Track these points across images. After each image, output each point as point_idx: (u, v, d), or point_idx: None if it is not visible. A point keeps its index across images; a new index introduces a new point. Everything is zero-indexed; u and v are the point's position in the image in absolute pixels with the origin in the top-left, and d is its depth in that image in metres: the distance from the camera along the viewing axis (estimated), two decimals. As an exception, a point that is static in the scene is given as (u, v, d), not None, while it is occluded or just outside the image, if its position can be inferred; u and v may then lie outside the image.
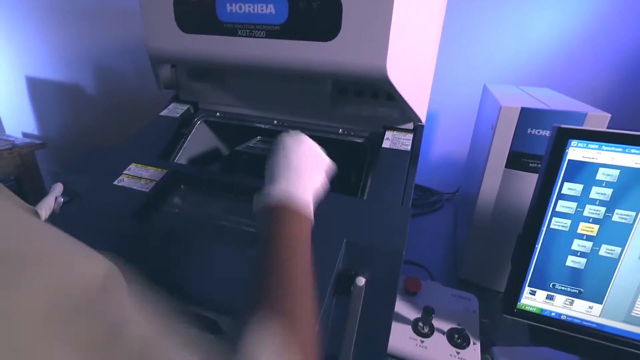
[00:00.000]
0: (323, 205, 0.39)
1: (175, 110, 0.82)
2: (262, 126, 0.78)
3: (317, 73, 0.58)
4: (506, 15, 1.11)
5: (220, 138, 0.89)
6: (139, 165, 0.62)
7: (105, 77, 1.69)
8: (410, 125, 0.69)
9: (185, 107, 0.82)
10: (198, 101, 0.84)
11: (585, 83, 1.11)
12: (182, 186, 0.61)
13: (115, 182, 0.59)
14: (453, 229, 1.16)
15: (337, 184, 0.48)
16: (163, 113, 0.81)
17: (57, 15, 1.64)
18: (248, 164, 0.70)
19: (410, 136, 0.67)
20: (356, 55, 0.53)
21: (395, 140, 0.67)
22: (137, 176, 0.60)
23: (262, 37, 0.58)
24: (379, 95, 0.68)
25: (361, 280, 0.41)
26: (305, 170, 0.37)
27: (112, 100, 1.70)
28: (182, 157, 0.77)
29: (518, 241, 0.55)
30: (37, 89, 1.91)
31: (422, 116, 0.63)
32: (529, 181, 0.71)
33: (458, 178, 1.28)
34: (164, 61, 0.69)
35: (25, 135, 2.02)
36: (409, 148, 0.64)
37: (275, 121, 0.77)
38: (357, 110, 0.71)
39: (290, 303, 0.27)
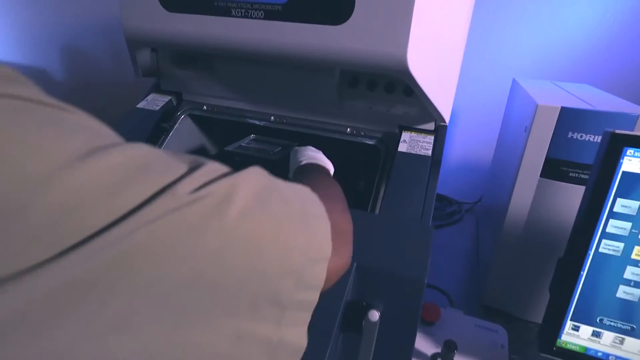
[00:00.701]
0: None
1: (154, 102, 0.79)
2: (257, 123, 0.75)
3: (323, 62, 0.55)
4: (537, 2, 1.09)
5: (208, 135, 0.86)
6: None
7: (76, 60, 1.67)
8: (430, 126, 0.66)
9: (166, 98, 0.80)
10: (182, 91, 0.81)
11: (629, 79, 1.09)
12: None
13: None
14: (475, 244, 1.14)
15: (345, 193, 0.46)
16: (140, 105, 0.78)
17: (20, -9, 1.60)
18: (239, 167, 0.67)
19: (431, 138, 0.64)
20: (371, 41, 0.51)
21: (414, 143, 0.64)
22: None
23: (260, 19, 0.55)
24: (394, 89, 0.66)
25: (374, 315, 0.38)
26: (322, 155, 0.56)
27: (85, 87, 1.68)
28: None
29: (558, 266, 0.53)
30: None
31: (446, 115, 0.61)
32: (569, 193, 0.69)
33: (481, 186, 1.26)
34: (143, 44, 0.66)
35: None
36: (429, 153, 0.62)
37: (272, 117, 0.75)
38: (369, 106, 0.68)
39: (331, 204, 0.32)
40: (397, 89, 0.66)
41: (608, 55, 1.09)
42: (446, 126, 0.66)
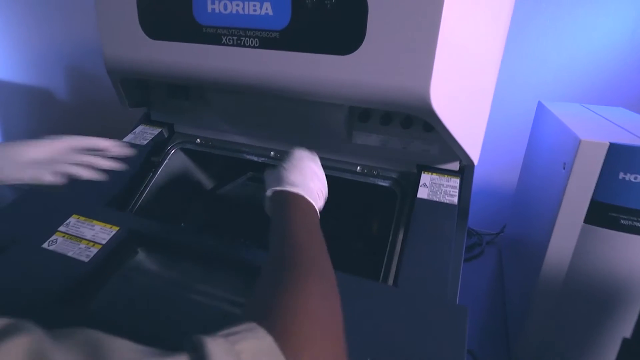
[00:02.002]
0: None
1: (143, 134, 0.71)
2: (255, 159, 0.67)
3: (329, 97, 0.46)
4: (561, 16, 1.00)
5: (201, 172, 0.78)
6: (81, 218, 0.51)
7: (81, 80, 1.63)
8: (454, 166, 0.57)
9: (156, 130, 0.72)
10: (174, 123, 0.73)
11: (670, 102, 0.99)
12: (138, 250, 0.50)
13: (45, 245, 0.47)
14: (499, 283, 1.02)
15: (353, 244, 0.38)
16: (127, 139, 0.70)
17: (23, 9, 1.58)
18: (232, 211, 0.58)
19: (456, 182, 0.55)
20: (386, 75, 0.42)
21: (436, 187, 0.54)
22: (77, 236, 0.49)
23: (254, 47, 0.47)
24: (412, 124, 0.57)
25: None
26: (311, 176, 0.45)
27: (89, 106, 1.63)
28: (149, 196, 0.66)
29: (625, 347, 0.42)
30: (1, 93, 1.86)
31: (475, 156, 0.51)
32: (621, 243, 0.58)
33: (503, 214, 1.15)
34: (125, 74, 0.59)
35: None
36: (455, 200, 0.52)
37: (272, 153, 0.66)
38: (382, 143, 0.59)
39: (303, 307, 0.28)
40: (416, 124, 0.57)
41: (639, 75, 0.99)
42: (473, 166, 0.57)
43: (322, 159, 0.63)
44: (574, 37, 1.02)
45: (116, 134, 0.73)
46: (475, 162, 0.52)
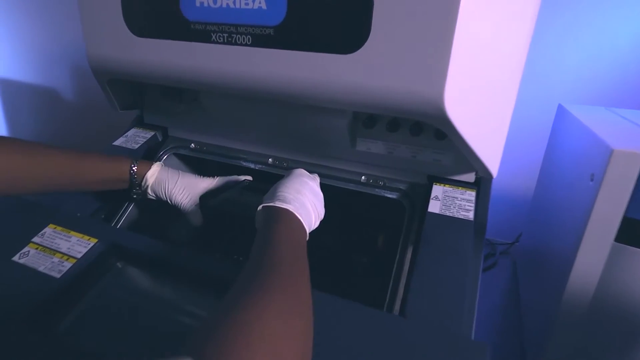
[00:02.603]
0: (329, 327, 0.33)
1: (135, 138, 0.67)
2: (252, 166, 0.62)
3: (328, 102, 0.41)
4: (582, 14, 0.93)
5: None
6: (58, 228, 0.47)
7: (87, 81, 1.61)
8: (470, 177, 0.51)
9: (149, 134, 0.68)
10: (168, 126, 0.69)
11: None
12: (118, 264, 0.45)
13: (16, 257, 0.43)
14: (514, 297, 0.96)
15: (356, 263, 0.34)
16: (118, 142, 0.66)
17: (30, 9, 1.57)
18: (223, 225, 0.53)
19: (472, 195, 0.49)
20: (394, 77, 0.37)
21: (449, 200, 0.49)
22: (51, 248, 0.44)
23: (246, 45, 0.42)
24: (422, 131, 0.51)
25: None
26: (307, 195, 0.43)
27: (95, 107, 1.62)
28: (138, 205, 0.62)
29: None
30: (8, 93, 1.86)
31: (494, 168, 0.46)
32: (659, 269, 0.52)
33: (518, 222, 1.08)
34: (111, 75, 0.55)
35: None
36: (471, 215, 0.46)
37: (270, 160, 0.61)
38: (389, 151, 0.54)
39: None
40: (426, 131, 0.51)
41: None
42: (491, 178, 0.51)
43: (323, 168, 0.59)
44: (596, 35, 0.96)
45: (121, 133, 0.69)
46: (494, 174, 0.46)
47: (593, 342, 0.61)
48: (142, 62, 0.49)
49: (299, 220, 0.39)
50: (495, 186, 1.19)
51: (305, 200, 0.41)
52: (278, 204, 0.39)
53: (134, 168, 0.52)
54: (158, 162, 0.55)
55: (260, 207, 0.41)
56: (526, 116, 1.05)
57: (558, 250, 0.67)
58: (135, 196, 0.54)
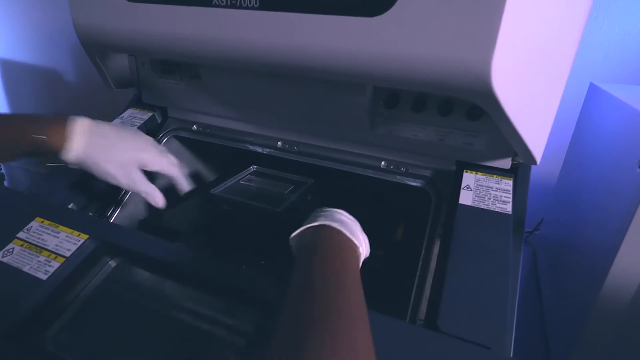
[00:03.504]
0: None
1: (132, 119, 0.61)
2: (259, 150, 0.56)
3: (349, 74, 0.35)
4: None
5: (198, 163, 0.68)
6: (45, 222, 0.42)
7: (87, 60, 1.56)
8: (505, 163, 0.45)
9: (147, 115, 0.62)
10: (167, 106, 0.63)
11: None
12: (110, 262, 0.41)
13: (-1, 256, 0.39)
14: (534, 288, 0.91)
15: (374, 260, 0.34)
16: (113, 124, 0.60)
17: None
18: (229, 216, 0.48)
19: (508, 184, 0.43)
20: (428, 43, 0.31)
21: (483, 190, 0.43)
22: (37, 245, 0.40)
23: (253, 8, 0.36)
24: (452, 110, 0.45)
25: None
26: (353, 221, 0.36)
27: (95, 88, 1.57)
28: (134, 196, 0.56)
29: None
30: (10, 74, 1.82)
31: (539, 152, 0.39)
32: None
33: (540, 208, 1.02)
34: (99, 47, 0.48)
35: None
36: (508, 208, 0.41)
37: (279, 143, 0.55)
38: (413, 133, 0.48)
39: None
40: (457, 109, 0.45)
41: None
42: (530, 165, 0.45)
43: (339, 152, 0.53)
44: (627, 10, 0.88)
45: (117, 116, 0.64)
46: (538, 160, 0.40)
47: (628, 343, 0.56)
48: (135, 30, 0.42)
49: (354, 244, 0.32)
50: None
51: (354, 227, 0.34)
52: (330, 223, 0.32)
53: (41, 136, 0.39)
54: (79, 122, 0.42)
55: (300, 231, 0.34)
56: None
57: (592, 243, 0.62)
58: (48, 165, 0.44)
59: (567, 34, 0.37)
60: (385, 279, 0.55)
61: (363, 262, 0.35)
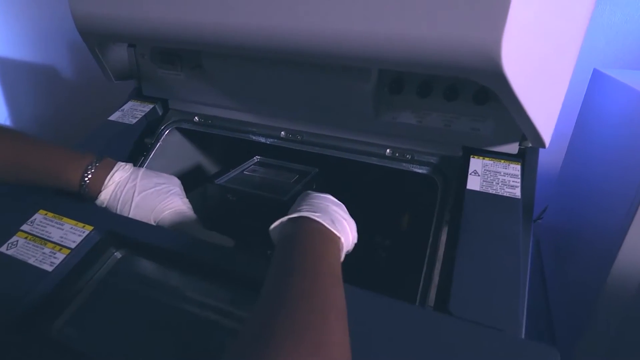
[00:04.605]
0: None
1: (132, 112, 0.60)
2: (263, 140, 0.56)
3: (355, 56, 0.34)
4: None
5: (201, 154, 0.68)
6: (49, 214, 0.41)
7: (84, 57, 1.54)
8: (512, 148, 0.45)
9: (148, 107, 0.61)
10: (168, 98, 0.62)
11: None
12: (116, 253, 0.40)
13: (3, 248, 0.38)
14: (537, 275, 0.91)
15: (380, 248, 0.38)
16: (113, 117, 0.60)
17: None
18: (234, 207, 0.48)
19: (516, 169, 0.43)
20: (438, 22, 0.30)
21: (490, 175, 0.43)
22: (42, 237, 0.39)
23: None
24: (458, 94, 0.44)
25: None
26: (337, 211, 0.35)
27: (93, 84, 1.55)
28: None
29: None
30: (8, 73, 1.80)
31: (547, 135, 0.39)
32: None
33: (543, 197, 1.02)
34: (98, 36, 0.48)
35: (-6, 126, 1.92)
36: (517, 193, 0.40)
37: (282, 133, 0.55)
38: (418, 119, 0.47)
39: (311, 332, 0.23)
40: (463, 94, 0.44)
41: None
42: (538, 149, 0.44)
43: (343, 140, 0.52)
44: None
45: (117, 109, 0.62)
46: (547, 143, 0.39)
47: (636, 331, 0.56)
48: (135, 17, 0.42)
49: (335, 235, 0.32)
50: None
51: (338, 216, 0.34)
52: (307, 214, 0.32)
53: (86, 181, 0.40)
54: (118, 173, 0.42)
55: (279, 222, 0.34)
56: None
57: (599, 230, 0.61)
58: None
59: (576, 14, 0.36)
60: (392, 267, 0.55)
61: (369, 251, 0.35)
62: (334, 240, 0.32)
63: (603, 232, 0.59)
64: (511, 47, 0.30)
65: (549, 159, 1.01)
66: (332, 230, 0.32)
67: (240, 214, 0.47)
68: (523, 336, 0.32)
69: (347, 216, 0.36)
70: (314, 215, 0.32)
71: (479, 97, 0.43)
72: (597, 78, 0.82)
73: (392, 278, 0.46)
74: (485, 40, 0.29)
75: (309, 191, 0.38)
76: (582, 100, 0.89)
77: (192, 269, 0.38)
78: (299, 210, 0.33)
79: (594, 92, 0.82)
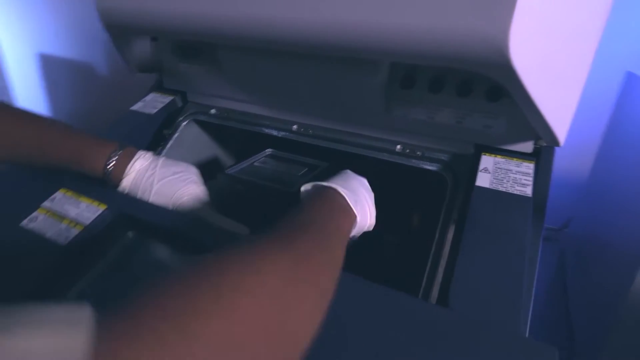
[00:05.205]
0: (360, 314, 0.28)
1: (153, 103, 0.63)
2: (275, 133, 0.57)
3: (361, 48, 0.35)
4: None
5: (217, 146, 0.69)
6: (68, 193, 0.43)
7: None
8: (527, 147, 0.43)
9: (168, 99, 0.64)
10: (187, 91, 0.64)
11: None
12: (129, 233, 0.42)
13: (24, 223, 0.41)
14: (559, 286, 0.87)
15: (388, 242, 0.38)
16: (135, 107, 0.62)
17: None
18: (244, 197, 0.49)
19: (529, 167, 0.41)
20: (444, 11, 0.30)
21: (502, 173, 0.42)
22: (59, 214, 0.41)
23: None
24: (470, 90, 0.44)
25: None
26: (359, 187, 0.38)
27: (128, 81, 1.63)
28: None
29: None
30: (50, 69, 1.91)
31: (562, 134, 0.38)
32: None
33: (568, 206, 0.98)
34: (122, 29, 0.50)
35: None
36: (528, 191, 0.39)
37: (294, 126, 0.56)
38: (430, 116, 0.47)
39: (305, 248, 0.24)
40: (476, 90, 0.43)
41: None
42: (553, 148, 0.43)
43: (354, 135, 0.53)
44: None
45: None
46: (562, 141, 0.38)
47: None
48: (157, 10, 0.44)
49: (349, 206, 0.33)
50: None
51: (363, 198, 0.36)
52: (335, 186, 0.34)
53: (109, 168, 0.42)
54: (139, 160, 0.44)
55: (310, 185, 0.36)
56: (585, 89, 0.93)
57: (625, 241, 0.58)
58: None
59: (591, 9, 0.35)
60: (398, 263, 0.54)
61: (376, 246, 0.35)
62: (350, 217, 0.33)
63: (631, 238, 0.57)
64: (519, 39, 0.29)
65: (575, 167, 0.97)
66: (353, 209, 0.33)
67: (247, 203, 0.48)
68: (527, 334, 0.31)
69: (371, 203, 0.38)
70: (341, 189, 0.34)
71: (492, 94, 0.43)
72: (631, 81, 0.78)
73: (397, 274, 0.46)
74: (492, 30, 0.29)
75: (348, 170, 0.40)
76: (613, 104, 0.85)
77: (198, 252, 0.39)
78: (330, 181, 0.35)
79: (627, 96, 0.79)
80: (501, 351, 0.25)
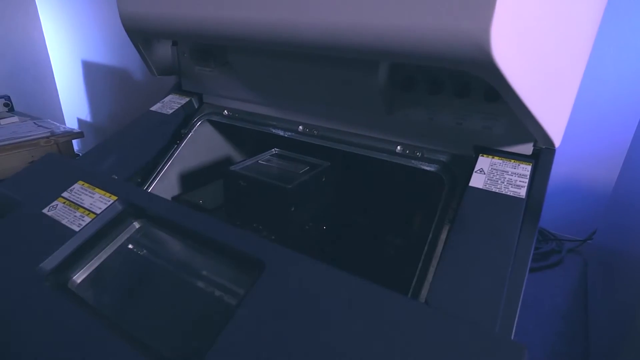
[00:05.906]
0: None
1: (170, 104, 0.67)
2: (281, 133, 0.59)
3: (344, 48, 0.36)
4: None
5: (229, 146, 0.72)
6: (85, 185, 0.47)
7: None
8: (526, 149, 0.43)
9: (184, 99, 0.67)
10: (203, 93, 0.68)
11: None
12: (135, 223, 0.45)
13: (45, 210, 0.45)
14: (581, 302, 0.83)
15: (385, 243, 0.30)
16: (155, 108, 0.67)
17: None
18: (246, 192, 0.51)
19: (526, 169, 0.41)
20: (424, 9, 0.30)
21: (496, 175, 0.41)
22: (76, 203, 0.45)
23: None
24: (469, 91, 0.44)
25: None
26: None
27: (160, 88, 1.72)
28: (171, 170, 0.62)
29: None
30: (92, 74, 2.04)
31: (557, 134, 0.37)
32: None
33: (593, 217, 0.94)
34: (143, 33, 0.54)
35: (80, 121, 2.18)
36: (522, 193, 0.38)
37: (300, 127, 0.57)
38: (429, 117, 0.47)
39: None
40: (475, 91, 0.43)
41: None
42: (553, 150, 0.42)
43: (356, 136, 0.53)
44: None
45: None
46: (557, 143, 0.37)
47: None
48: (177, 15, 0.47)
49: None
50: (564, 173, 1.03)
51: None
52: None
53: None
54: None
55: None
56: (608, 89, 0.88)
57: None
58: None
59: (584, 7, 0.35)
60: (390, 263, 0.55)
61: (375, 245, 0.32)
62: None
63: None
64: (502, 35, 0.29)
65: (600, 177, 0.92)
66: None
67: (248, 198, 0.50)
68: (513, 333, 0.30)
69: None
70: None
71: (491, 94, 0.42)
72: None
73: (390, 272, 0.46)
74: (474, 26, 0.29)
75: None
76: (640, 111, 0.81)
77: (200, 243, 0.42)
78: None
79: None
80: (468, 346, 0.26)
